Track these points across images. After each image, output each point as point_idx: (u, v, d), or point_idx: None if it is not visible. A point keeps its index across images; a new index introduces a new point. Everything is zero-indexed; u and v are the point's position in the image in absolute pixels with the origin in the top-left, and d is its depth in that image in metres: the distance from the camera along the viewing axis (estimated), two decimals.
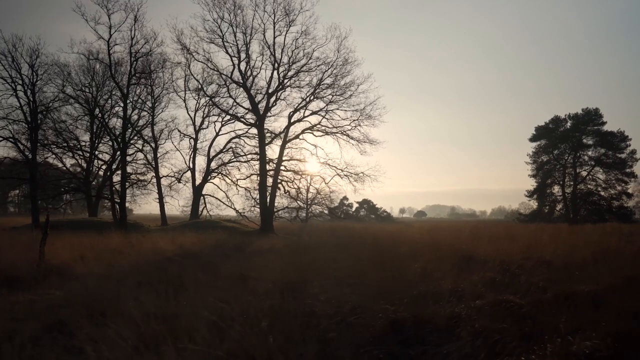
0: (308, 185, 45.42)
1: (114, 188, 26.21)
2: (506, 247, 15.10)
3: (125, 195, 24.36)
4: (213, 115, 35.63)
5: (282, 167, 28.12)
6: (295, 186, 29.03)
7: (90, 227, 24.95)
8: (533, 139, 48.08)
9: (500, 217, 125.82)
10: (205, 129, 37.14)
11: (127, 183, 27.34)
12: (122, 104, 32.36)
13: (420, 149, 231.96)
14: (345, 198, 69.88)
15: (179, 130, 36.47)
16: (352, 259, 10.89)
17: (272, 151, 29.59)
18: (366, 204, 68.28)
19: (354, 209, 69.19)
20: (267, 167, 28.00)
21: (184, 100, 35.65)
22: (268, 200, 27.06)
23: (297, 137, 28.12)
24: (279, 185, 28.34)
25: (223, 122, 35.52)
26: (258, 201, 28.17)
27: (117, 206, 24.71)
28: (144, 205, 39.02)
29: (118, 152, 26.61)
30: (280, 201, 29.86)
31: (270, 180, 27.61)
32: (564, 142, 46.19)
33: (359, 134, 27.43)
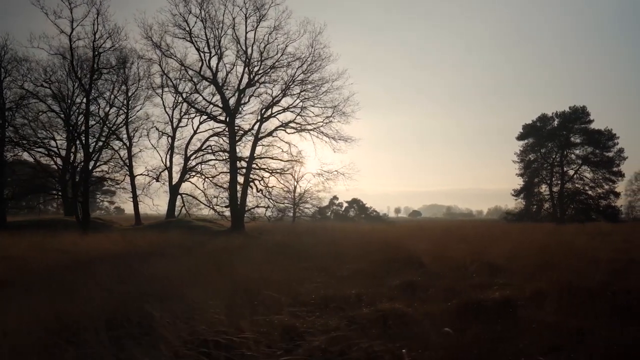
0: (295, 185, 45.19)
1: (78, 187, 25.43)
2: (465, 247, 14.47)
3: (87, 194, 23.67)
4: (191, 113, 34.94)
5: (254, 165, 27.42)
6: (264, 185, 28.32)
7: (56, 226, 24.31)
8: (520, 137, 47.33)
9: (495, 216, 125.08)
10: (183, 127, 36.48)
11: (92, 181, 26.71)
12: (100, 101, 31.91)
13: (419, 148, 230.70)
14: (335, 197, 69.28)
15: (156, 129, 35.78)
16: (280, 261, 10.17)
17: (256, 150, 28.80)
18: (355, 203, 67.50)
19: (343, 208, 68.50)
20: (239, 164, 27.36)
21: (161, 98, 34.95)
22: (239, 199, 26.41)
23: (269, 134, 27.42)
24: (251, 184, 27.65)
25: (201, 120, 34.82)
26: (228, 200, 27.49)
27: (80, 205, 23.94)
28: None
29: (80, 149, 25.90)
30: (252, 200, 29.16)
31: (241, 179, 26.95)
32: (551, 140, 45.46)
33: (332, 131, 26.79)
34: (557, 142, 45.19)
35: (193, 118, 35.05)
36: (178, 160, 34.54)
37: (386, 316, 5.16)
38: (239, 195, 26.53)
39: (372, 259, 11.39)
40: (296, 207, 52.04)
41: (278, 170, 27.92)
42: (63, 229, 21.84)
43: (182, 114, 35.78)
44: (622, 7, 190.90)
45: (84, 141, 23.75)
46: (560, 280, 7.58)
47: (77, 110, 31.61)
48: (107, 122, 31.87)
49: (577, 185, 45.18)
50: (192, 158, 34.70)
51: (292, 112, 27.17)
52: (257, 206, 28.89)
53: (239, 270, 8.36)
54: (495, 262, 10.63)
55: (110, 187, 43.17)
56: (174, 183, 34.81)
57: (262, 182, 28.23)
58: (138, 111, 35.02)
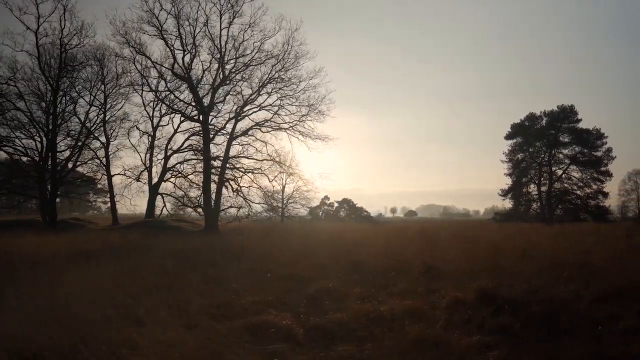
0: (284, 185, 44.63)
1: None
2: (424, 249, 14.01)
3: (55, 194, 23.20)
4: (170, 112, 34.42)
5: (229, 165, 26.92)
6: (238, 184, 27.75)
7: (30, 227, 23.77)
8: (509, 136, 46.73)
9: (491, 216, 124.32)
10: (164, 125, 35.98)
11: (64, 181, 26.27)
12: (84, 100, 31.42)
13: (418, 149, 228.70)
14: (326, 197, 68.75)
15: (137, 128, 35.30)
16: (216, 264, 9.72)
17: (234, 149, 28.22)
18: (346, 203, 66.96)
19: (334, 208, 67.98)
20: (215, 164, 26.90)
21: (141, 96, 34.39)
22: (214, 199, 25.92)
23: (245, 133, 26.92)
24: (226, 184, 27.15)
25: (181, 119, 34.33)
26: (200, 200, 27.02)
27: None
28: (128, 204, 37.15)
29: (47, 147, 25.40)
30: (230, 200, 28.61)
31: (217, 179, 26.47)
32: (540, 139, 44.91)
33: (308, 130, 26.33)
34: (546, 142, 44.63)
35: (173, 117, 34.67)
36: (158, 159, 34.02)
37: (252, 329, 4.70)
38: (213, 195, 26.06)
39: (314, 262, 10.90)
40: (284, 207, 51.55)
41: (251, 170, 27.39)
42: (34, 229, 21.38)
43: (163, 113, 35.36)
44: (611, 7, 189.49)
45: (49, 140, 23.23)
46: (485, 288, 7.10)
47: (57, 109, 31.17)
48: (85, 122, 31.43)
49: (565, 185, 44.68)
50: (171, 157, 34.27)
51: (267, 110, 26.71)
52: (231, 206, 28.35)
53: (152, 274, 7.89)
54: (439, 266, 10.15)
55: (102, 187, 42.62)
56: (153, 183, 34.33)
57: (235, 181, 27.67)
58: (118, 110, 34.58)
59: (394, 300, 6.55)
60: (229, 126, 26.79)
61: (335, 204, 68.09)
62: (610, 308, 6.37)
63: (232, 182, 27.55)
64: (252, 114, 26.64)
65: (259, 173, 27.28)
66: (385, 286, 7.92)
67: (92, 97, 31.21)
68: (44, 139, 25.91)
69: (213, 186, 26.66)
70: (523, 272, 9.32)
